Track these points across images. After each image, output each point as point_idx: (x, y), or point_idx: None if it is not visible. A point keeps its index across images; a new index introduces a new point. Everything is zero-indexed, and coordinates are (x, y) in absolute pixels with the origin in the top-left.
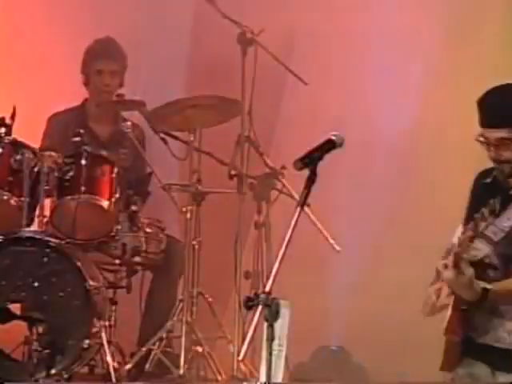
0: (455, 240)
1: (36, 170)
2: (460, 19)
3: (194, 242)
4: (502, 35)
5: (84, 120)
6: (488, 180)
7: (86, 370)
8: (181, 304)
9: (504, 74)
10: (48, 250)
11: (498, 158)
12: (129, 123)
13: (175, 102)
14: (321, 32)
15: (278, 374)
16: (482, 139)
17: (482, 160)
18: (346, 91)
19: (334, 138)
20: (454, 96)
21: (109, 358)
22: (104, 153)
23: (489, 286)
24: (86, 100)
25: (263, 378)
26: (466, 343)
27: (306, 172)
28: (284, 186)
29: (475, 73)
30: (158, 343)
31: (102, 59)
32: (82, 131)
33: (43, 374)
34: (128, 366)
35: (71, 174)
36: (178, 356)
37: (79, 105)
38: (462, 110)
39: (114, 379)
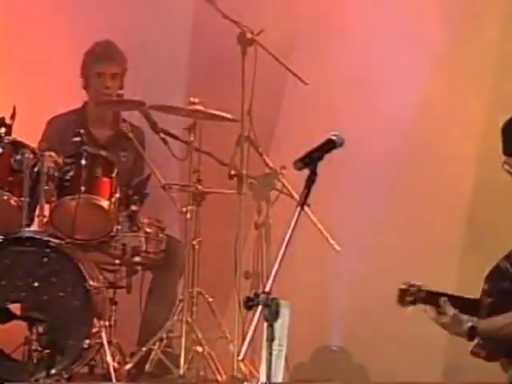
0: None
1: (36, 170)
2: (462, 11)
3: (194, 242)
4: (504, 25)
5: (84, 123)
6: None
7: (86, 370)
8: (181, 304)
9: (507, 64)
10: (48, 250)
11: None
12: (128, 124)
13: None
14: (321, 30)
15: (278, 374)
16: (506, 167)
17: (484, 153)
18: (347, 91)
19: (334, 137)
20: (455, 90)
21: (109, 358)
22: (104, 153)
23: (475, 324)
24: (86, 103)
25: (263, 378)
26: None
27: (305, 172)
28: (284, 186)
29: (478, 61)
30: (158, 343)
31: (103, 62)
32: (82, 131)
33: (43, 374)
34: (128, 366)
35: (71, 174)
36: (178, 356)
37: (79, 108)
38: (462, 107)
39: (114, 379)
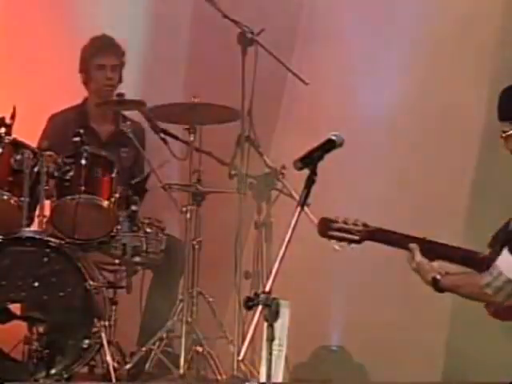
0: None
1: (36, 170)
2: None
3: (194, 242)
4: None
5: (85, 119)
6: None
7: (85, 370)
8: (181, 304)
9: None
10: (48, 250)
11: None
12: (129, 123)
13: (174, 105)
14: (321, 30)
15: (278, 374)
16: (502, 134)
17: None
18: (347, 90)
19: (334, 137)
20: (454, 82)
21: (109, 358)
22: (104, 153)
23: (438, 276)
24: (86, 99)
25: (263, 378)
26: None
27: (306, 172)
28: (284, 186)
29: (478, 50)
30: (158, 343)
31: (103, 54)
32: (81, 131)
33: (43, 373)
34: (128, 366)
35: (71, 173)
36: (178, 356)
37: (80, 103)
38: (464, 91)
39: (113, 379)
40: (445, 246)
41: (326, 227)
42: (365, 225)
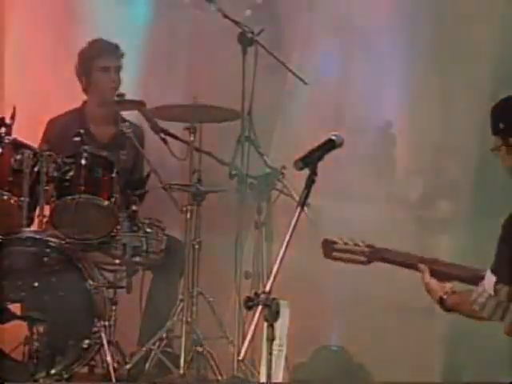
0: None
1: (36, 169)
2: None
3: (194, 242)
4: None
5: (84, 122)
6: None
7: (85, 370)
8: (181, 304)
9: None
10: (48, 250)
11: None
12: (128, 123)
13: (174, 106)
14: (321, 30)
15: (278, 374)
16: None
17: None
18: (347, 91)
19: (334, 137)
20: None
21: (109, 358)
22: (104, 153)
23: (444, 296)
24: (85, 102)
25: (263, 378)
26: None
27: (306, 172)
28: (284, 186)
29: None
30: (158, 343)
31: (106, 56)
32: (82, 131)
33: (43, 373)
34: (128, 366)
35: (71, 174)
36: (178, 356)
37: (79, 107)
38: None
39: (113, 379)
40: (452, 265)
41: (329, 249)
42: (369, 246)
